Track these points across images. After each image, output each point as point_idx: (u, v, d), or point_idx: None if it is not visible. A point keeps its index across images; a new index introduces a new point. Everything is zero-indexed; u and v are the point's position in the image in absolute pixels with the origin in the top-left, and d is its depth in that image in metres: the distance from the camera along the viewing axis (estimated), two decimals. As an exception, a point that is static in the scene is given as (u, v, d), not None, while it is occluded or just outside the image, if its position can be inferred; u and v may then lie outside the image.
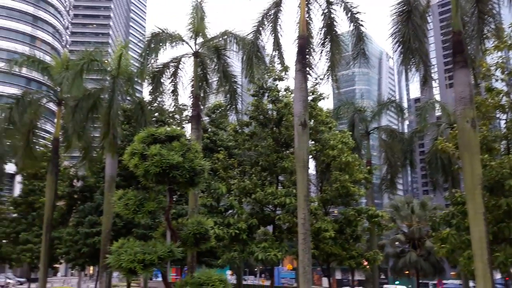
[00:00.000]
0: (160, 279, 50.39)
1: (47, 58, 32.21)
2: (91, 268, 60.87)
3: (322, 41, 20.17)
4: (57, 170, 26.35)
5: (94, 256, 28.23)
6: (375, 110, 32.19)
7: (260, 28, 20.53)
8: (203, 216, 13.83)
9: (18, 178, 54.83)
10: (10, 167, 43.93)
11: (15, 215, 45.27)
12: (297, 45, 18.69)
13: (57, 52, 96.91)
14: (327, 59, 20.10)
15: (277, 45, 20.64)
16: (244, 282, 46.00)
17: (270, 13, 20.43)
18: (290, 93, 25.59)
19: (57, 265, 51.30)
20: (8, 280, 59.03)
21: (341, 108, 31.54)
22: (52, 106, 28.31)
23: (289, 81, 27.03)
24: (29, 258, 40.38)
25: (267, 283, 68.08)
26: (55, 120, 27.29)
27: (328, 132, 25.83)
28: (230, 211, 24.75)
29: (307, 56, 19.56)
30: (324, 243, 23.73)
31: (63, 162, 36.73)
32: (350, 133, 27.02)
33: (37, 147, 28.39)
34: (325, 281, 47.02)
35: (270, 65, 24.66)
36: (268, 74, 25.67)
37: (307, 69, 19.40)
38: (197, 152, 11.55)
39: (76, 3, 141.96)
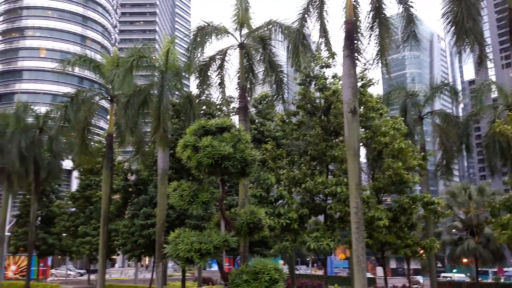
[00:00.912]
0: (213, 269, 51.28)
1: (98, 57, 33.13)
2: (147, 258, 62.64)
3: (371, 25, 19.63)
4: (112, 165, 27.13)
5: (150, 247, 28.96)
6: (428, 94, 31.07)
7: (306, 15, 20.19)
8: (254, 206, 13.87)
9: (75, 173, 57.03)
10: (67, 163, 45.87)
11: (73, 209, 47.18)
12: (344, 30, 18.29)
13: (107, 50, 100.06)
14: (376, 43, 19.57)
15: (323, 32, 20.24)
16: (296, 272, 46.00)
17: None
18: (338, 80, 25.15)
19: (114, 257, 53.09)
20: (69, 272, 61.76)
21: (392, 93, 30.64)
22: (105, 103, 29.16)
23: (337, 68, 26.67)
24: (88, 250, 41.97)
25: (320, 272, 68.04)
26: (108, 117, 28.08)
27: (379, 119, 25.22)
28: (280, 201, 24.70)
29: (355, 41, 19.08)
30: (378, 232, 23.28)
31: (117, 157, 37.81)
32: (402, 118, 26.24)
33: (92, 143, 29.35)
34: (379, 270, 46.28)
35: (317, 53, 24.21)
36: (315, 62, 25.25)
37: (355, 54, 18.90)
38: (247, 142, 11.59)
39: (123, 2, 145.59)
